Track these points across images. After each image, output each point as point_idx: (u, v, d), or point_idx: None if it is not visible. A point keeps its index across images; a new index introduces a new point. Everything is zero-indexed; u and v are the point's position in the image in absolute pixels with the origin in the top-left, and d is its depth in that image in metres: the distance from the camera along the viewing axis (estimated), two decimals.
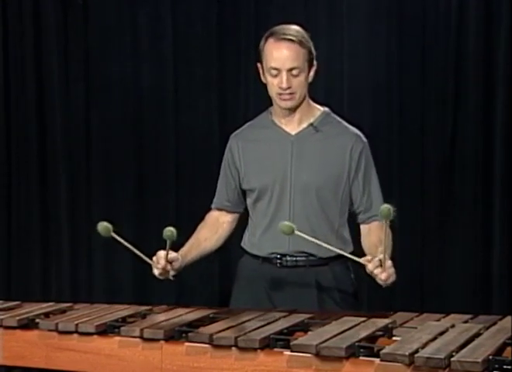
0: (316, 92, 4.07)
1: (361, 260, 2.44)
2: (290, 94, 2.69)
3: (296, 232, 2.41)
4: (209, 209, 2.95)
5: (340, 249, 2.60)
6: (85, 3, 4.50)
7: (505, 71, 4.00)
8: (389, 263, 2.41)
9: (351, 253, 2.56)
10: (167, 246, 2.57)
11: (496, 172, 4.03)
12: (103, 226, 2.56)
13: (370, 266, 2.41)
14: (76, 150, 4.56)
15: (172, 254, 2.63)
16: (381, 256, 2.39)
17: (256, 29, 4.18)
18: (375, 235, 2.70)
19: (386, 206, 2.27)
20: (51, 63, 4.52)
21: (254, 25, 4.26)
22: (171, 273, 2.68)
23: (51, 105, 4.53)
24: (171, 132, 4.50)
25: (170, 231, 2.51)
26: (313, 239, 2.48)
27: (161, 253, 2.62)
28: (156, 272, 2.65)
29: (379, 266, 2.39)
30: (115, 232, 2.56)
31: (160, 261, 2.61)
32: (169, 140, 4.51)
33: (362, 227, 2.81)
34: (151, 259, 2.62)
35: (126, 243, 2.57)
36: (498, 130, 4.03)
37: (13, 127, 4.57)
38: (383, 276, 2.40)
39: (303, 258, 2.73)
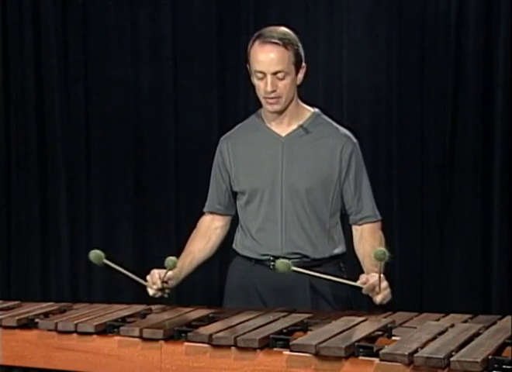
0: (316, 92, 4.12)
1: (357, 284, 2.50)
2: (276, 97, 2.67)
3: (293, 269, 2.49)
4: (202, 213, 2.94)
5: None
6: (85, 3, 4.50)
7: (505, 71, 3.99)
8: (384, 284, 2.47)
9: (347, 279, 2.62)
10: (166, 271, 2.61)
11: (496, 172, 4.03)
12: (95, 254, 2.61)
13: (365, 290, 2.48)
14: (76, 150, 4.56)
15: (168, 273, 2.65)
16: (376, 278, 2.45)
17: (256, 29, 4.15)
18: (368, 244, 2.72)
19: (381, 249, 2.38)
20: (51, 63, 4.52)
21: (254, 25, 4.24)
22: (166, 291, 2.71)
23: (51, 105, 4.54)
24: (171, 132, 4.50)
25: (172, 261, 2.56)
26: (313, 273, 2.56)
27: (156, 274, 2.65)
28: (150, 292, 2.68)
29: (374, 289, 2.46)
30: (107, 258, 2.61)
31: (157, 282, 2.65)
32: (169, 140, 4.50)
33: (354, 229, 2.80)
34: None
35: (118, 268, 2.62)
36: (498, 130, 4.03)
37: (13, 127, 4.57)
38: (378, 298, 2.48)
39: (297, 259, 2.71)
